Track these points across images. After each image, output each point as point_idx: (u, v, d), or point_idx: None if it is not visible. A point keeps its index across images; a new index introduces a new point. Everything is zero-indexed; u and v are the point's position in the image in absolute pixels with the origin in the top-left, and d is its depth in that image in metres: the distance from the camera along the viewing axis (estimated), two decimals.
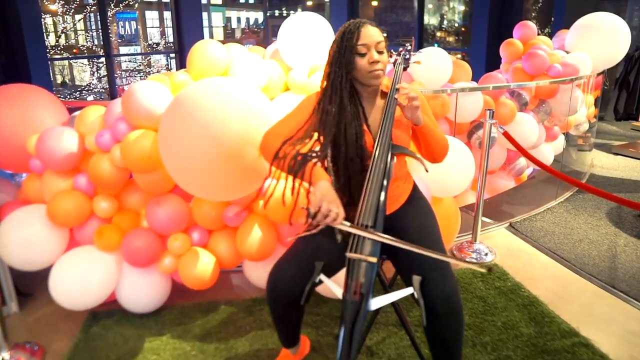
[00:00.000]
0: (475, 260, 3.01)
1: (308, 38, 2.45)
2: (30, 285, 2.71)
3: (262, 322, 2.40)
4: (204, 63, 2.32)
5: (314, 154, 1.60)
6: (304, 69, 2.50)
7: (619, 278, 2.77)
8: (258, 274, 2.48)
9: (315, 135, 1.66)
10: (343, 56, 1.60)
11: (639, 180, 4.58)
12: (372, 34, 1.60)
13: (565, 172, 4.51)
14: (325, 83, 1.67)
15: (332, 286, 1.60)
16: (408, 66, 1.82)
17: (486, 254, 3.06)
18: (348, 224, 1.51)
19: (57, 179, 2.30)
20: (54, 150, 2.22)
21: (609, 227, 3.47)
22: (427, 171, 1.66)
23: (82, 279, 2.22)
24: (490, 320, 2.38)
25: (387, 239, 1.51)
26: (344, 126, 1.61)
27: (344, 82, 1.62)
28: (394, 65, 1.79)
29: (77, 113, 2.43)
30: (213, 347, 2.23)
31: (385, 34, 1.65)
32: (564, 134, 4.43)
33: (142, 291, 2.37)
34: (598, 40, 4.17)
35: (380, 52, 1.62)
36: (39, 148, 2.23)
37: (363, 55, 1.60)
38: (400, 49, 1.84)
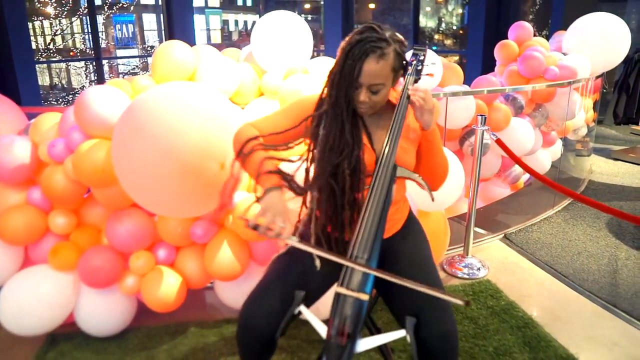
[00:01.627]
0: (467, 276, 2.82)
1: (283, 39, 2.26)
2: None
3: (233, 346, 2.21)
4: (168, 66, 2.13)
5: (288, 175, 1.42)
6: (278, 71, 2.31)
7: (621, 296, 2.58)
8: (230, 293, 2.30)
9: (295, 145, 1.49)
10: (345, 81, 1.39)
11: None
12: (371, 74, 1.38)
13: (563, 179, 4.35)
14: (327, 106, 1.45)
15: (315, 323, 1.39)
16: (420, 78, 1.61)
17: (478, 269, 2.87)
18: (296, 239, 1.31)
19: (8, 192, 2.11)
20: (4, 161, 2.03)
21: (609, 239, 3.29)
22: (432, 200, 1.46)
23: (34, 301, 2.03)
24: (482, 345, 2.20)
25: (361, 267, 1.31)
26: (336, 146, 1.43)
27: (344, 106, 1.42)
28: (404, 77, 1.59)
29: (33, 120, 2.25)
30: None
31: (399, 59, 1.42)
32: (561, 139, 4.25)
33: (103, 314, 2.18)
34: (597, 42, 3.99)
35: (374, 92, 1.41)
36: None
37: (357, 88, 1.41)
38: (412, 58, 1.64)
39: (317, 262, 1.44)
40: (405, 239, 1.59)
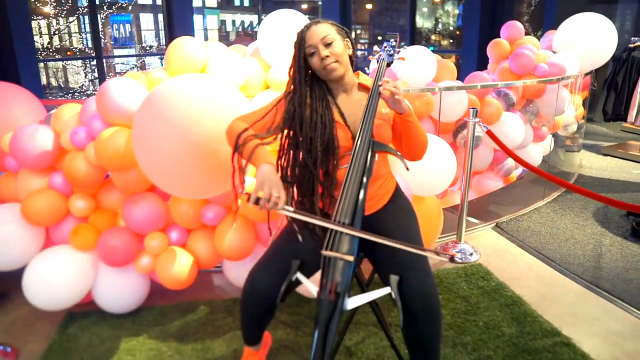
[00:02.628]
0: (460, 260, 2.98)
1: (288, 35, 2.42)
2: (6, 285, 2.68)
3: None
4: (181, 61, 2.29)
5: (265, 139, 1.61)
6: (283, 66, 2.47)
7: (604, 277, 2.75)
8: (238, 274, 2.45)
9: (278, 130, 1.66)
10: (298, 61, 1.64)
11: (627, 181, 4.58)
12: (315, 32, 1.62)
13: (554, 173, 4.51)
14: (290, 86, 1.67)
15: (308, 284, 1.57)
16: (392, 62, 1.78)
17: (471, 254, 3.04)
18: (291, 209, 1.48)
19: (32, 178, 2.27)
20: (28, 148, 2.19)
21: (595, 227, 3.46)
22: (407, 169, 1.63)
23: (56, 278, 2.18)
24: (472, 320, 2.36)
25: (348, 230, 1.47)
26: (309, 121, 1.61)
27: (303, 82, 1.64)
28: (377, 62, 1.76)
29: (53, 111, 2.40)
30: (190, 347, 2.20)
31: (339, 28, 1.66)
32: (552, 134, 4.42)
33: (119, 291, 2.33)
34: (585, 41, 4.16)
35: (328, 44, 1.61)
36: (13, 146, 2.20)
37: (313, 54, 1.62)
38: (385, 44, 1.81)
39: (300, 237, 1.62)
40: (391, 212, 1.75)
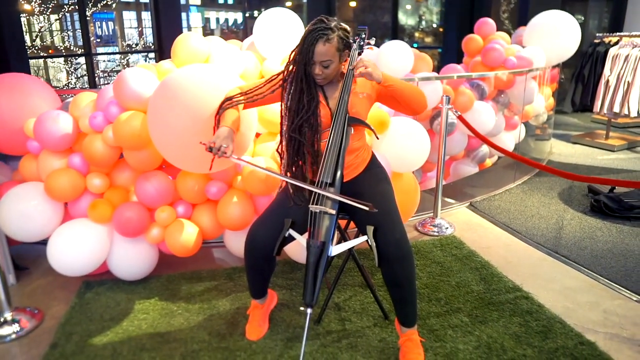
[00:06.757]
0: (437, 234, 3.31)
1: (280, 31, 2.72)
2: (26, 260, 2.94)
3: (241, 286, 2.67)
4: (186, 53, 2.56)
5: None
6: (277, 58, 2.76)
7: (562, 245, 3.10)
8: (238, 244, 2.74)
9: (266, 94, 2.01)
10: (303, 59, 1.88)
11: (592, 165, 4.96)
12: (321, 53, 1.85)
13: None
14: (290, 76, 1.95)
15: (299, 237, 1.91)
16: (362, 51, 2.10)
17: (447, 228, 3.37)
18: (236, 156, 1.86)
19: (53, 159, 2.53)
20: (51, 132, 2.45)
21: (559, 205, 3.82)
22: (377, 138, 1.95)
23: (77, 247, 2.45)
24: (445, 281, 2.68)
25: (322, 191, 1.82)
26: (302, 104, 1.91)
27: (303, 77, 1.91)
28: (350, 51, 2.07)
29: (70, 99, 2.66)
30: (197, 306, 2.49)
31: (344, 41, 1.89)
32: (523, 123, 4.78)
33: (132, 260, 2.60)
34: (551, 36, 4.52)
35: (326, 67, 1.89)
36: (36, 130, 2.46)
37: (313, 65, 1.88)
38: (356, 37, 2.13)
39: (292, 202, 1.97)
40: (366, 178, 2.06)
